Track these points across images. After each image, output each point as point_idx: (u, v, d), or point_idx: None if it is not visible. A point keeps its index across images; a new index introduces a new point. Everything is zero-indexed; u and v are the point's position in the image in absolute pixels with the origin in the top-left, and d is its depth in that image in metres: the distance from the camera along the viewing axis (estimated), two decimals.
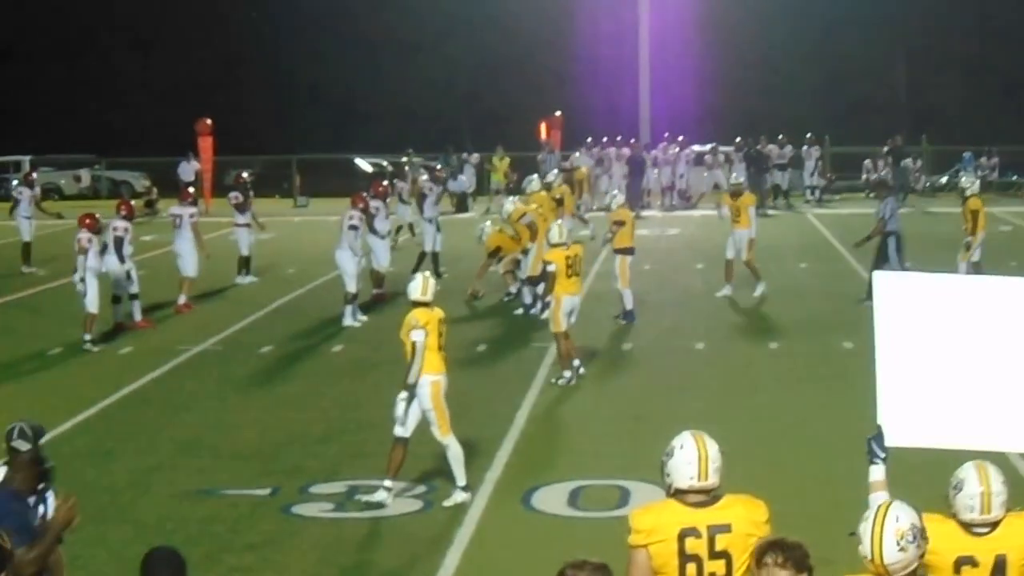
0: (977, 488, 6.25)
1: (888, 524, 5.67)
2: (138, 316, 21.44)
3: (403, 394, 12.09)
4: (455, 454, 12.29)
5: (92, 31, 61.46)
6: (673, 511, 6.37)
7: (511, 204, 23.00)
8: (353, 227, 21.39)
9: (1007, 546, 6.19)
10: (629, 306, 20.98)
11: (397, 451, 12.17)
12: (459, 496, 12.24)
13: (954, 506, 6.29)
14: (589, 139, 42.65)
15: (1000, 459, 12.70)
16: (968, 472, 6.33)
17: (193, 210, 23.82)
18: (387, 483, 12.21)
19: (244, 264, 26.09)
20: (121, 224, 21.26)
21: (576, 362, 17.14)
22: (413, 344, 11.95)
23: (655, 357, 18.76)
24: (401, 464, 12.22)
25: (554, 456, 13.86)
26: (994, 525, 6.23)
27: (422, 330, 11.97)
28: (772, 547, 5.75)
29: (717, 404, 15.78)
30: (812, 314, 21.91)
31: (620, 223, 21.38)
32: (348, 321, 21.06)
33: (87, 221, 20.19)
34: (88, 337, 19.74)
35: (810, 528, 10.86)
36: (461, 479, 12.29)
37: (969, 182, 23.76)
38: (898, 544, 5.66)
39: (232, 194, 26.83)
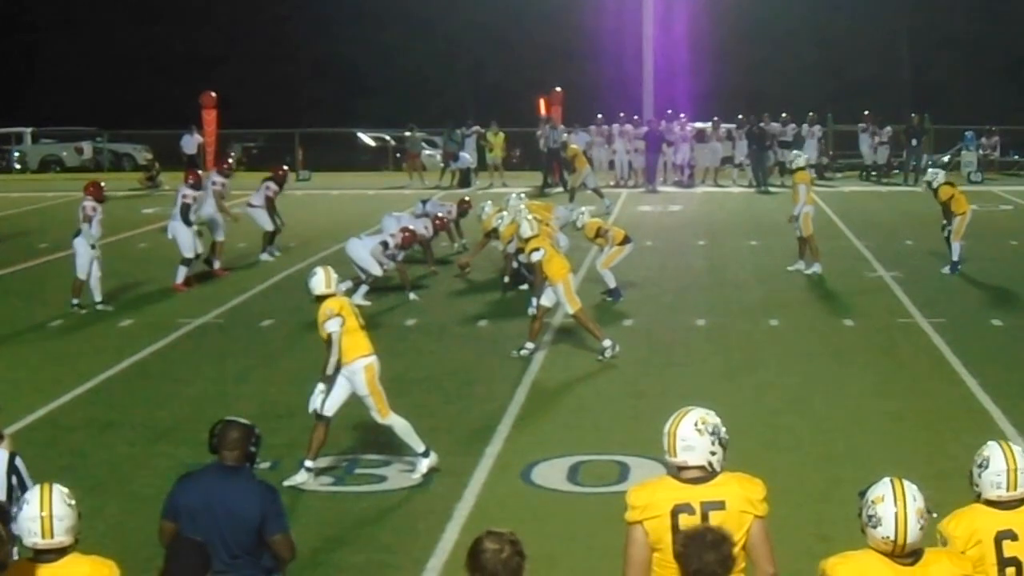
0: (1003, 465, 6.31)
1: (910, 505, 5.74)
2: (179, 279, 22.44)
3: (320, 386, 12.02)
4: (402, 429, 12.18)
5: (96, 2, 61.30)
6: (668, 487, 6.39)
7: (490, 208, 22.90)
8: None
9: None
10: (612, 285, 20.91)
11: (319, 431, 12.07)
12: (423, 464, 12.19)
13: (979, 484, 6.34)
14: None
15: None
16: (993, 450, 6.39)
17: (217, 179, 25.03)
18: (308, 463, 12.10)
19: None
20: (190, 192, 22.74)
21: (531, 345, 17.14)
22: (330, 336, 11.88)
23: (656, 334, 18.75)
24: (322, 445, 12.13)
25: (554, 431, 13.86)
26: (1021, 501, 6.31)
27: (338, 318, 11.84)
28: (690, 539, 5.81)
29: (718, 381, 15.80)
30: (813, 291, 21.93)
31: (601, 232, 21.12)
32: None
33: (91, 189, 20.78)
34: (76, 301, 20.33)
35: (809, 505, 10.96)
36: (419, 446, 12.23)
37: (932, 175, 24.08)
38: (919, 522, 5.75)
39: (218, 180, 25.87)
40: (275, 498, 7.44)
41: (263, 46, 61.57)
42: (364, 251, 20.87)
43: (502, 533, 5.61)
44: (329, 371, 11.97)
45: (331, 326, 11.85)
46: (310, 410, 12.16)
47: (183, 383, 16.13)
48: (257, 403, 14.75)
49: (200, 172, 25.54)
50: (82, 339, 18.82)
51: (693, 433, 6.39)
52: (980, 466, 6.35)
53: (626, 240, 21.12)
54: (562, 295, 16.94)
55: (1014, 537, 6.18)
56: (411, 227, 22.09)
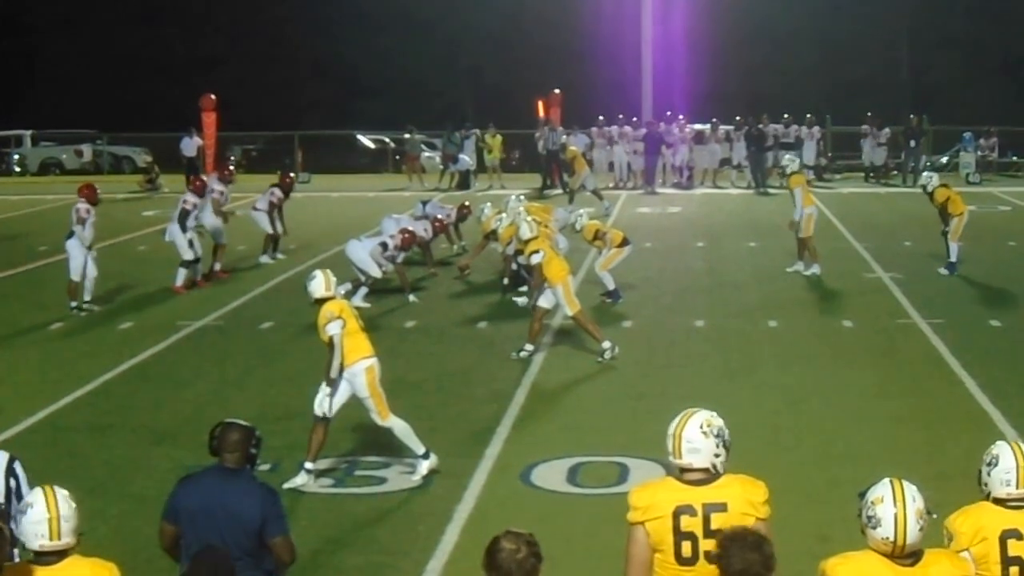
0: (1012, 463, 6.32)
1: (910, 506, 5.74)
2: (179, 281, 22.45)
3: (325, 389, 12.02)
4: (402, 431, 12.21)
5: (96, 3, 61.28)
6: (670, 489, 6.39)
7: (489, 210, 22.91)
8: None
9: None
10: (612, 286, 20.91)
11: (318, 433, 12.07)
12: (423, 466, 12.22)
13: (988, 484, 6.36)
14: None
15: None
16: (1002, 448, 6.40)
17: (217, 186, 24.78)
18: (308, 465, 12.11)
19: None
20: (191, 199, 22.89)
21: (530, 346, 17.18)
22: (331, 338, 11.88)
23: (655, 335, 18.76)
24: (322, 446, 12.14)
25: (554, 433, 13.87)
26: None
27: (338, 320, 11.85)
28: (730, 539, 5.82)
29: (717, 382, 15.81)
30: (812, 292, 21.93)
31: (600, 235, 21.10)
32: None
33: (85, 191, 20.89)
34: (74, 304, 20.45)
35: (809, 505, 10.96)
36: (418, 447, 12.26)
37: (927, 178, 24.04)
38: (918, 523, 5.75)
39: (217, 188, 25.75)
40: (275, 500, 7.45)
41: (263, 48, 61.59)
42: (363, 253, 20.90)
43: (520, 533, 5.63)
44: (332, 374, 11.96)
45: (332, 329, 11.85)
46: (318, 414, 12.14)
47: (183, 385, 16.14)
48: (257, 405, 14.76)
49: (204, 178, 25.60)
50: (82, 341, 18.83)
51: (699, 435, 6.39)
52: (989, 464, 6.37)
53: (625, 242, 21.12)
54: (561, 297, 16.95)
55: (1019, 536, 6.19)
56: (410, 229, 22.11)
